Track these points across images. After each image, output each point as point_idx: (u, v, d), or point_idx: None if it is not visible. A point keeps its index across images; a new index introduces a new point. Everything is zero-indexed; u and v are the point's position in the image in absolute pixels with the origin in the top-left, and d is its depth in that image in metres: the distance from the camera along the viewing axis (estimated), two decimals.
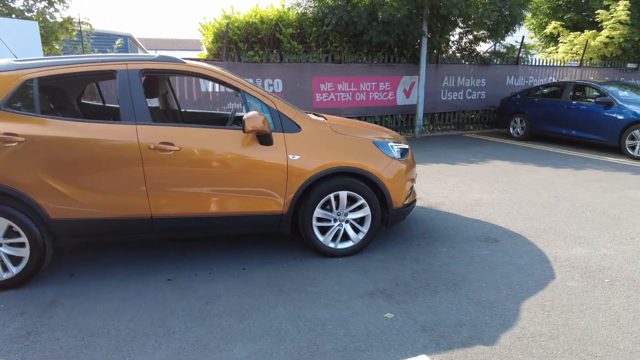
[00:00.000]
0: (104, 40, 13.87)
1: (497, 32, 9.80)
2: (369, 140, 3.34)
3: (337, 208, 3.27)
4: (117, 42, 12.24)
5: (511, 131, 9.87)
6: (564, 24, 13.50)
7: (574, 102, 8.40)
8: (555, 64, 11.96)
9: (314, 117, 3.48)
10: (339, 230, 3.33)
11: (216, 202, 3.04)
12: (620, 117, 7.45)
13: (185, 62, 3.06)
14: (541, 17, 14.32)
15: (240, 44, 8.67)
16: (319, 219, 3.27)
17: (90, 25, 8.51)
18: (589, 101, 8.18)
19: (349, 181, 3.21)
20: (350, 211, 3.32)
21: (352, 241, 3.37)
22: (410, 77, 10.24)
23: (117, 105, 4.20)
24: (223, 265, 3.23)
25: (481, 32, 10.38)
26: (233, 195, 3.05)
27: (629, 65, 12.86)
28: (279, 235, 3.68)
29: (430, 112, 10.67)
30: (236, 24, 8.53)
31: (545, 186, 5.48)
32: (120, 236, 3.05)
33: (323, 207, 3.24)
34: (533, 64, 11.70)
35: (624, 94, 7.86)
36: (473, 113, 11.28)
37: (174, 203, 2.98)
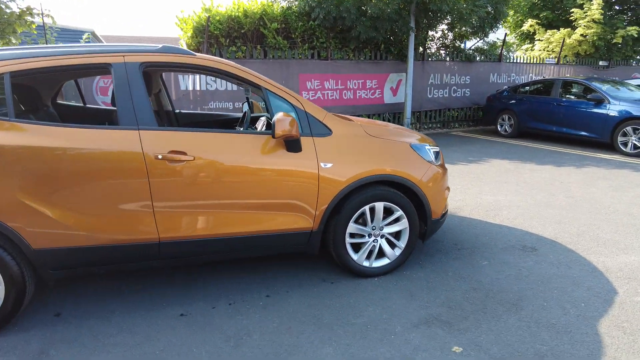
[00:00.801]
0: (69, 35, 12.77)
1: (483, 28, 9.70)
2: (407, 143, 2.96)
3: (371, 221, 2.87)
4: (85, 37, 11.24)
5: (499, 129, 9.81)
6: (539, 22, 13.70)
7: (564, 99, 8.39)
8: (535, 62, 12.08)
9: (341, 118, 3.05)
10: (373, 246, 2.93)
11: (236, 220, 2.56)
12: (612, 113, 7.47)
13: (195, 55, 2.56)
14: (518, 15, 14.48)
15: (222, 39, 8.09)
16: (352, 235, 2.86)
17: (53, 18, 7.66)
18: (580, 98, 8.19)
19: (386, 191, 2.81)
20: (386, 224, 2.92)
21: (388, 258, 2.98)
22: (397, 75, 9.97)
23: (104, 107, 3.62)
24: (242, 292, 2.76)
25: (465, 28, 10.27)
26: (256, 211, 2.58)
27: (601, 62, 13.21)
28: (299, 254, 3.24)
29: (417, 111, 10.46)
30: (217, 18, 7.94)
31: (555, 186, 5.31)
32: (119, 266, 2.51)
33: (356, 221, 2.83)
34: (514, 61, 11.76)
35: (614, 90, 7.91)
36: (458, 111, 11.18)
37: (186, 223, 2.48)
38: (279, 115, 2.41)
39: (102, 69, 2.47)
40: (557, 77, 9.22)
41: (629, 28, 12.18)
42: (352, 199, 2.74)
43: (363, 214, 2.83)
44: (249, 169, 2.50)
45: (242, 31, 8.22)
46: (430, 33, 10.34)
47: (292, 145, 2.54)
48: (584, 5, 12.48)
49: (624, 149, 7.32)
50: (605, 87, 7.94)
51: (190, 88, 7.80)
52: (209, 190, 2.46)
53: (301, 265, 3.12)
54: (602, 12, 12.16)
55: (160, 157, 2.34)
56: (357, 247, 2.92)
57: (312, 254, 2.86)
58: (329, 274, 3.00)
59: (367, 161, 2.74)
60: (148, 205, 2.38)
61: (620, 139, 7.37)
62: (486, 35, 10.72)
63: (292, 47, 8.79)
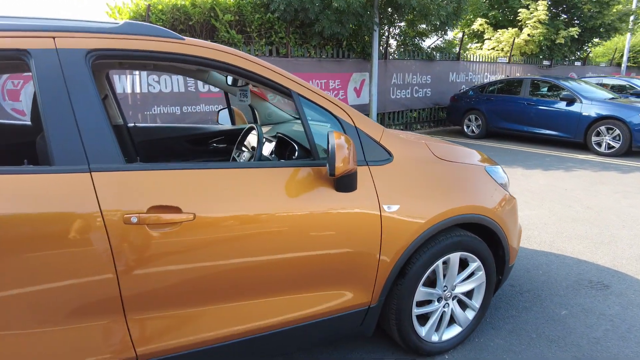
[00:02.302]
0: None
1: (447, 24, 9.32)
2: (481, 167, 2.16)
3: (443, 280, 2.04)
4: None
5: (465, 129, 9.51)
6: (488, 21, 13.83)
7: (535, 99, 8.22)
8: (491, 61, 12.09)
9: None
10: (443, 312, 2.10)
11: (261, 311, 1.58)
12: (586, 113, 7.36)
13: (183, 39, 1.53)
14: (468, 14, 14.55)
15: None
16: (419, 303, 2.01)
17: None
18: (551, 97, 8.05)
19: (463, 236, 1.99)
20: (460, 281, 2.11)
21: (460, 325, 2.17)
22: (361, 74, 9.28)
23: (19, 122, 2.45)
24: None
25: (426, 25, 9.86)
26: (290, 293, 1.63)
27: (545, 62, 13.63)
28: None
29: (381, 112, 9.86)
30: (160, 7, 6.65)
31: (561, 194, 4.87)
32: None
33: (425, 283, 1.98)
34: (471, 60, 11.64)
35: (585, 90, 7.84)
36: (419, 111, 10.78)
37: (180, 326, 1.46)
38: (337, 139, 1.47)
39: (12, 60, 1.37)
40: (526, 76, 9.08)
41: (570, 29, 12.62)
42: (423, 254, 1.88)
43: (434, 271, 1.98)
44: (282, 230, 1.54)
45: (190, 23, 7.00)
46: (393, 30, 9.79)
47: (344, 182, 1.62)
48: (530, 6, 12.74)
49: (598, 149, 7.24)
50: (575, 87, 7.86)
51: (129, 90, 6.45)
52: (221, 271, 1.46)
53: (340, 346, 2.20)
54: (547, 13, 12.48)
55: (135, 219, 1.30)
56: (423, 318, 2.07)
57: (366, 335, 1.96)
58: (384, 354, 2.12)
59: (444, 197, 1.89)
60: (114, 306, 1.33)
61: (594, 138, 7.28)
62: (446, 33, 10.42)
63: (247, 42, 7.72)
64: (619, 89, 10.37)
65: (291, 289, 1.62)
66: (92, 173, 1.29)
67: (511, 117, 8.53)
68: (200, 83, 7.12)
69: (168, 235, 1.35)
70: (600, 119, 7.18)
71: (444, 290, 2.06)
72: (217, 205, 1.43)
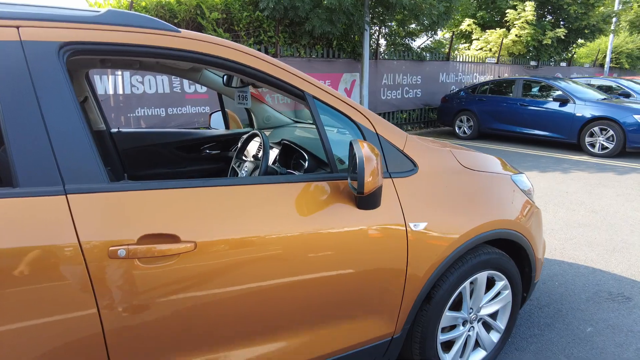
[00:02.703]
0: None
1: (438, 24, 9.20)
2: (507, 176, 1.96)
3: (469, 302, 1.84)
4: None
5: (457, 130, 9.41)
6: (476, 21, 13.82)
7: (528, 99, 8.15)
8: (478, 61, 12.05)
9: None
10: (468, 336, 1.90)
11: (274, 352, 1.35)
12: (579, 114, 7.31)
13: (179, 32, 1.29)
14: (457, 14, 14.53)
15: None
16: (444, 329, 1.80)
17: None
18: (544, 98, 7.99)
19: (492, 253, 1.80)
20: (486, 302, 1.91)
21: (485, 349, 1.97)
22: (351, 75, 9.09)
23: None
24: None
25: (417, 25, 9.74)
26: (304, 327, 1.40)
27: (532, 62, 13.69)
28: None
29: None
30: (144, 4, 6.33)
31: (563, 197, 4.76)
32: None
33: (450, 307, 1.77)
34: (460, 60, 11.57)
35: (578, 90, 7.80)
36: (409, 112, 10.65)
37: None
38: (363, 149, 1.24)
39: None
40: (518, 77, 9.01)
41: (557, 30, 12.69)
42: (451, 275, 1.68)
43: (460, 293, 1.78)
44: (297, 256, 1.30)
45: (176, 21, 6.69)
46: (383, 30, 9.63)
47: (368, 198, 1.39)
48: (517, 7, 12.76)
49: (592, 150, 7.19)
50: (569, 87, 7.82)
51: (111, 92, 6.11)
52: (229, 309, 1.22)
53: None
54: (534, 14, 12.51)
55: (122, 252, 1.06)
56: (447, 344, 1.86)
57: None
58: None
59: (474, 212, 1.69)
60: (97, 356, 1.08)
61: (587, 139, 7.23)
62: (435, 33, 10.33)
63: (235, 41, 7.44)
64: (605, 89, 10.43)
65: (307, 324, 1.40)
66: (68, 195, 1.04)
67: (504, 118, 8.45)
68: (186, 83, 6.82)
69: (163, 270, 1.11)
70: (594, 119, 7.13)
71: (470, 313, 1.86)
72: (222, 231, 1.19)
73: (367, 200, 1.37)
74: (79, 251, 1.02)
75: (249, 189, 1.28)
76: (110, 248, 1.04)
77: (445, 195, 1.64)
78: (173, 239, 1.12)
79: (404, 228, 1.51)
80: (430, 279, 1.59)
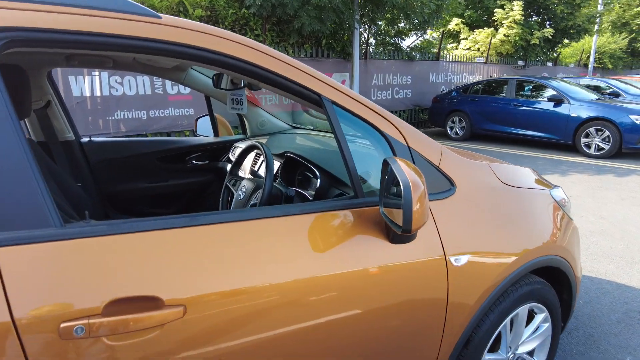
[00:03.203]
0: None
1: (428, 22, 9.01)
2: (546, 192, 1.70)
3: (509, 339, 1.57)
4: None
5: (449, 131, 9.23)
6: (464, 21, 13.72)
7: (521, 100, 8.00)
8: (469, 61, 11.93)
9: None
10: None
11: None
12: (574, 114, 7.19)
13: (159, 17, 0.98)
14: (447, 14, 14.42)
15: None
16: None
17: None
18: (538, 98, 7.85)
19: (534, 283, 1.53)
20: (525, 339, 1.64)
21: None
22: (341, 75, 8.81)
23: None
24: None
25: (406, 24, 9.54)
26: None
27: (519, 62, 13.66)
28: None
29: None
30: None
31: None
32: None
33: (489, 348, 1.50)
34: (450, 60, 11.42)
35: (573, 90, 7.68)
36: (399, 113, 10.43)
37: None
38: (408, 173, 0.95)
39: None
40: (511, 77, 8.86)
41: (544, 30, 12.67)
42: (491, 313, 1.40)
43: (500, 332, 1.51)
44: (318, 306, 1.01)
45: None
46: (373, 28, 9.39)
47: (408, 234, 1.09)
48: (505, 7, 12.69)
49: (587, 151, 7.07)
50: (563, 87, 7.70)
51: (88, 93, 5.69)
52: None
53: None
54: (522, 13, 12.47)
55: (81, 330, 0.74)
56: None
57: None
58: None
59: (518, 237, 1.42)
60: None
61: (583, 140, 7.11)
62: (425, 32, 10.14)
63: None
64: (594, 89, 10.40)
65: None
66: (3, 248, 0.72)
67: (497, 119, 8.30)
68: (168, 84, 6.43)
69: (142, 348, 0.80)
70: (590, 120, 7.01)
71: (508, 352, 1.59)
72: (221, 285, 0.89)
73: (408, 235, 1.08)
74: (14, 333, 0.70)
75: (254, 226, 0.98)
76: (62, 325, 0.73)
77: (487, 219, 1.36)
78: (155, 303, 0.81)
79: (444, 264, 1.22)
80: (472, 321, 1.31)
